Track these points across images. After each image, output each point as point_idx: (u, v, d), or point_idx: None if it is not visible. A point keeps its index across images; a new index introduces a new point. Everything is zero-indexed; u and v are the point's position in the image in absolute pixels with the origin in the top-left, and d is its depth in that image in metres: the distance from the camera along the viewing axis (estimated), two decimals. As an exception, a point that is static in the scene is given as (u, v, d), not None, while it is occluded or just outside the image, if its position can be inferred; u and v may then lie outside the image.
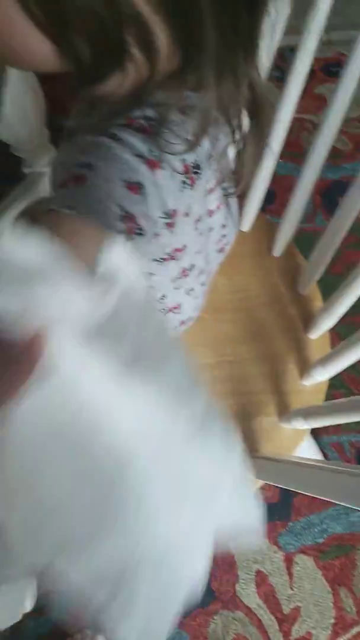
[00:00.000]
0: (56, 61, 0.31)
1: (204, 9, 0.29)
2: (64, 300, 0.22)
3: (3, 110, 0.81)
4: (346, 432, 0.96)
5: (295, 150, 1.11)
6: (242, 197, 0.66)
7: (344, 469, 0.40)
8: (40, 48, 0.30)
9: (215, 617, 0.85)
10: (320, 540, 0.89)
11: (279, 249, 0.68)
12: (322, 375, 0.58)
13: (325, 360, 0.56)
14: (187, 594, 0.27)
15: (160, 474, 0.26)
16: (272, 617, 0.85)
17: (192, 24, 0.30)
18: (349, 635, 0.85)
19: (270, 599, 0.86)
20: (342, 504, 0.40)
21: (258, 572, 0.88)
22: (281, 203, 0.99)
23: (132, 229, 0.36)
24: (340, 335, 0.67)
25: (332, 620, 0.85)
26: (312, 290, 0.67)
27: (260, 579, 0.87)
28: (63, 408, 0.23)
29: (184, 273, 0.49)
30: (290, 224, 0.65)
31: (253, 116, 0.41)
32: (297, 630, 0.84)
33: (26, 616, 0.82)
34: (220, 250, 0.55)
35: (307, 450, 0.83)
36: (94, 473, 0.24)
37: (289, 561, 0.88)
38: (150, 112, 0.36)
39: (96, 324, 0.24)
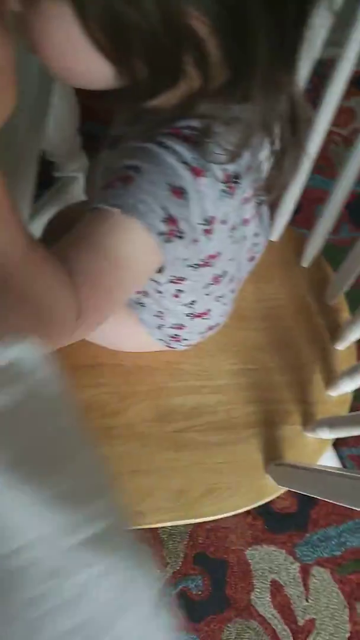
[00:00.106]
0: (113, 80, 0.33)
1: (259, 28, 0.30)
2: None
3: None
4: (366, 445, 0.95)
5: (322, 163, 1.11)
6: (272, 207, 0.66)
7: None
8: (100, 69, 0.32)
9: (229, 625, 0.85)
10: (338, 554, 0.89)
11: (307, 259, 0.69)
12: (349, 386, 0.58)
13: (352, 371, 0.56)
14: None
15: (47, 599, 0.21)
16: (287, 628, 0.85)
17: (246, 42, 0.31)
18: (364, 651, 0.84)
19: (285, 609, 0.86)
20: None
21: (273, 582, 0.87)
22: (307, 214, 1.00)
23: (173, 231, 0.38)
24: (367, 347, 0.67)
25: (347, 634, 0.84)
26: (339, 301, 0.68)
27: (276, 589, 0.87)
28: None
29: (216, 280, 0.50)
30: (319, 235, 0.66)
31: (291, 128, 0.42)
32: (311, 642, 0.84)
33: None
34: (251, 259, 0.56)
35: (328, 461, 0.83)
36: None
37: (305, 572, 0.88)
38: (195, 123, 0.37)
39: None
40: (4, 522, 0.21)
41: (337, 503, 0.44)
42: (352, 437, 0.81)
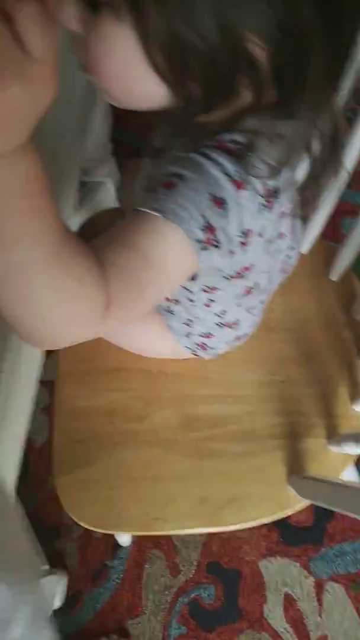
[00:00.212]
0: (166, 101, 0.34)
1: (313, 50, 0.31)
2: None
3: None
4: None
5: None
6: (304, 220, 0.67)
7: None
8: (155, 90, 0.33)
9: (240, 636, 0.84)
10: (354, 570, 0.88)
11: (336, 273, 0.69)
12: (375, 402, 0.58)
13: (380, 387, 0.56)
14: None
15: None
16: (299, 643, 0.84)
17: (299, 64, 0.32)
18: (377, 671, 0.82)
19: (298, 624, 0.85)
20: None
21: (287, 596, 0.87)
22: (334, 226, 0.99)
23: (210, 240, 0.38)
24: (393, 363, 0.67)
25: (361, 654, 0.83)
26: (367, 316, 0.67)
27: (289, 603, 0.86)
28: None
29: (248, 291, 0.51)
30: (350, 249, 0.66)
31: (331, 145, 0.42)
32: (323, 659, 0.83)
33: (54, 613, 0.84)
34: (283, 271, 0.57)
35: (350, 476, 0.82)
36: None
37: (319, 587, 0.87)
38: (239, 137, 0.38)
39: None
40: None
41: (358, 517, 0.44)
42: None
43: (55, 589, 0.84)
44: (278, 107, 0.36)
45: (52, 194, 0.29)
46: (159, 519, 0.59)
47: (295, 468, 0.60)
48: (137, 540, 0.91)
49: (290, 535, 0.90)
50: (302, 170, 0.48)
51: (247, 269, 0.46)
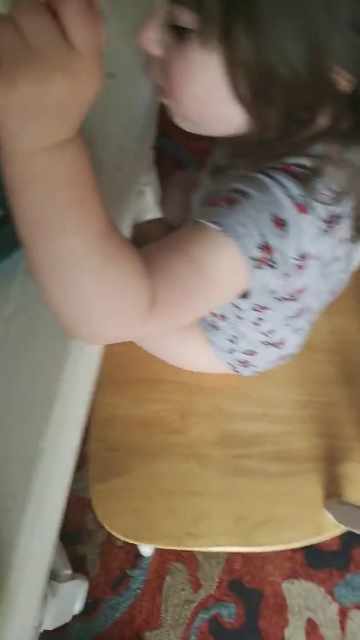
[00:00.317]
0: (242, 127, 0.34)
1: None
2: None
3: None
4: None
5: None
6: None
7: None
8: (233, 117, 0.33)
9: (260, 659, 0.83)
10: (379, 599, 0.85)
11: (381, 295, 0.68)
12: None
13: None
14: None
15: None
16: (320, 671, 0.82)
17: None
18: None
19: (320, 650, 0.83)
20: None
21: (309, 620, 0.85)
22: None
23: (266, 259, 0.38)
24: None
25: None
26: None
27: (311, 628, 0.84)
28: None
29: (299, 313, 0.50)
30: None
31: None
32: None
33: (73, 618, 0.84)
34: (333, 293, 0.56)
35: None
36: None
37: (343, 614, 0.85)
38: (305, 161, 0.38)
39: None
40: None
41: None
42: None
43: (76, 594, 0.84)
44: (349, 134, 0.36)
45: (97, 189, 0.29)
46: (191, 534, 0.58)
47: (332, 492, 0.59)
48: (159, 551, 0.90)
49: (315, 558, 0.88)
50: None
51: (300, 291, 0.46)
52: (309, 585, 0.87)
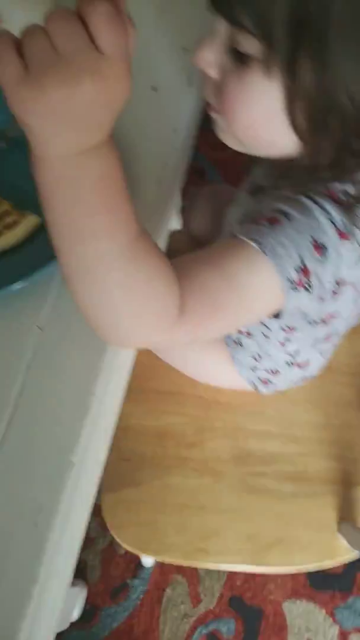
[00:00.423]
0: (293, 152, 0.34)
1: None
2: None
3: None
4: None
5: None
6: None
7: None
8: (285, 143, 0.33)
9: None
10: (381, 625, 0.85)
11: None
12: None
13: None
14: None
15: None
16: None
17: None
18: None
19: (318, 674, 0.82)
20: None
21: (309, 642, 0.84)
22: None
23: (302, 282, 0.38)
24: None
25: None
26: None
27: (310, 650, 0.84)
28: None
29: (328, 337, 0.50)
30: None
31: None
32: None
33: (71, 625, 0.83)
34: (358, 316, 0.56)
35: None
36: None
37: (343, 638, 0.84)
38: (350, 188, 0.38)
39: None
40: None
41: None
42: None
43: (75, 601, 0.83)
44: None
45: (128, 195, 0.29)
46: (201, 550, 0.58)
47: (346, 516, 0.58)
48: (161, 563, 0.90)
49: (318, 580, 0.88)
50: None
51: (332, 316, 0.46)
52: (311, 606, 0.86)
